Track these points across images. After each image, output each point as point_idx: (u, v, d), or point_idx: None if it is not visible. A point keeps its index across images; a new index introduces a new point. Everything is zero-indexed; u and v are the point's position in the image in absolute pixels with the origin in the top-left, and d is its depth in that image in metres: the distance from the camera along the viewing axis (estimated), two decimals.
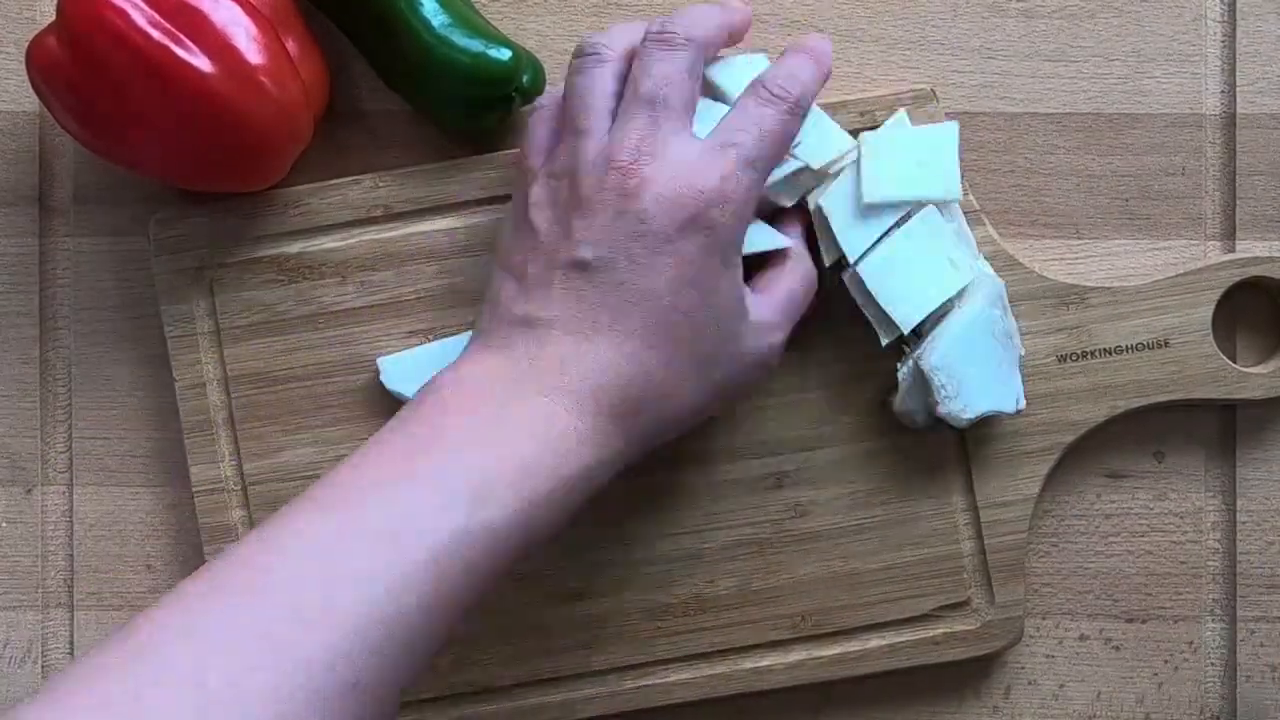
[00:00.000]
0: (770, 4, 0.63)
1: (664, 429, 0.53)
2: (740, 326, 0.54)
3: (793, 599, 0.61)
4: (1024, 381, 0.59)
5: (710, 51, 0.56)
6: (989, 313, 0.58)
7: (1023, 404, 0.59)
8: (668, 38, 0.54)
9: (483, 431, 0.50)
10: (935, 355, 0.57)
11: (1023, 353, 0.59)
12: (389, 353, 0.61)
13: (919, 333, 0.58)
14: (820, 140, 0.57)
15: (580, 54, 0.56)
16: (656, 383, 0.52)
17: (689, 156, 0.53)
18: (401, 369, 0.60)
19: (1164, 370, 0.61)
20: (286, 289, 0.61)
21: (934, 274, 0.58)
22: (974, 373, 0.57)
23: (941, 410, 0.57)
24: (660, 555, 0.61)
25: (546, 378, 0.51)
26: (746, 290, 0.55)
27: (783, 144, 0.55)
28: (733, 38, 0.57)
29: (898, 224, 0.58)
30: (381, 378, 0.60)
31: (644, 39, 0.55)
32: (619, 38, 0.56)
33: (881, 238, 0.58)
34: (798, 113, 0.55)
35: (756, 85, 0.55)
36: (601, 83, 0.55)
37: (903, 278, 0.57)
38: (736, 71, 0.57)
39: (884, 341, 0.58)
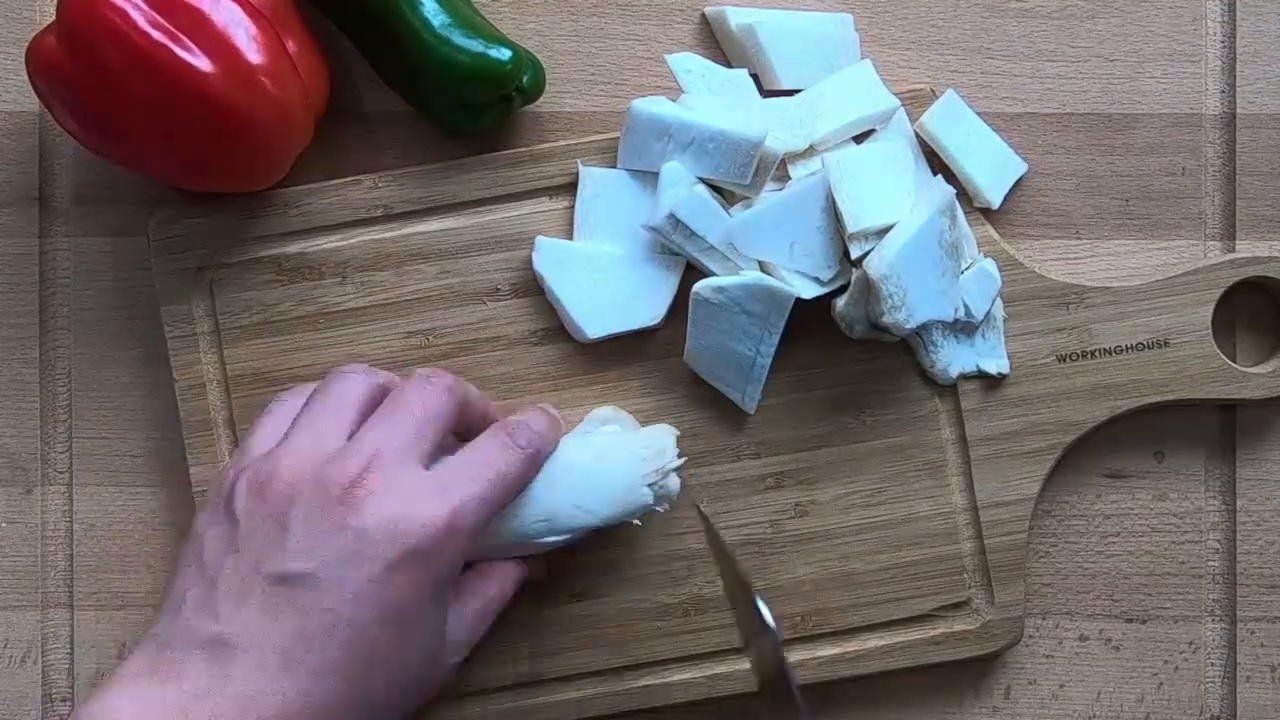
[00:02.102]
0: (774, 8, 0.63)
1: None
2: (432, 665, 0.52)
3: (793, 599, 0.61)
4: (1009, 355, 0.60)
5: (461, 415, 0.55)
6: (938, 221, 0.58)
7: (1006, 368, 0.60)
8: (433, 381, 0.54)
9: None
10: (883, 263, 0.57)
11: (971, 262, 0.59)
12: (387, 350, 0.61)
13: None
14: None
15: (344, 366, 0.56)
16: None
17: (423, 486, 0.50)
18: (554, 253, 0.60)
19: (1164, 370, 0.61)
20: (286, 289, 0.61)
21: (892, 193, 0.58)
22: (918, 282, 0.57)
23: (886, 319, 0.57)
24: (660, 555, 0.61)
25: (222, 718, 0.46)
26: (449, 611, 0.52)
27: (516, 490, 0.54)
28: (484, 420, 0.56)
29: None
30: (534, 254, 0.60)
31: (415, 372, 0.55)
32: (382, 374, 0.56)
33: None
34: (534, 464, 0.54)
35: (500, 429, 0.54)
36: (357, 390, 0.54)
37: (864, 186, 0.58)
38: (846, 83, 0.58)
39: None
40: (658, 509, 0.58)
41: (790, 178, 0.59)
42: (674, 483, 0.58)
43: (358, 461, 0.50)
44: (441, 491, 0.50)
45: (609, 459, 0.57)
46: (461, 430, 0.56)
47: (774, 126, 0.59)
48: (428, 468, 0.52)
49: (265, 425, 0.55)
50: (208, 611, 0.48)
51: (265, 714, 0.46)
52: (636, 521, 0.58)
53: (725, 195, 0.60)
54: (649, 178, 0.60)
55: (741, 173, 0.58)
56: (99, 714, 0.46)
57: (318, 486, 0.49)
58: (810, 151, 0.59)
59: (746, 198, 0.59)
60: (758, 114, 0.60)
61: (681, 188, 0.58)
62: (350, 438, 0.52)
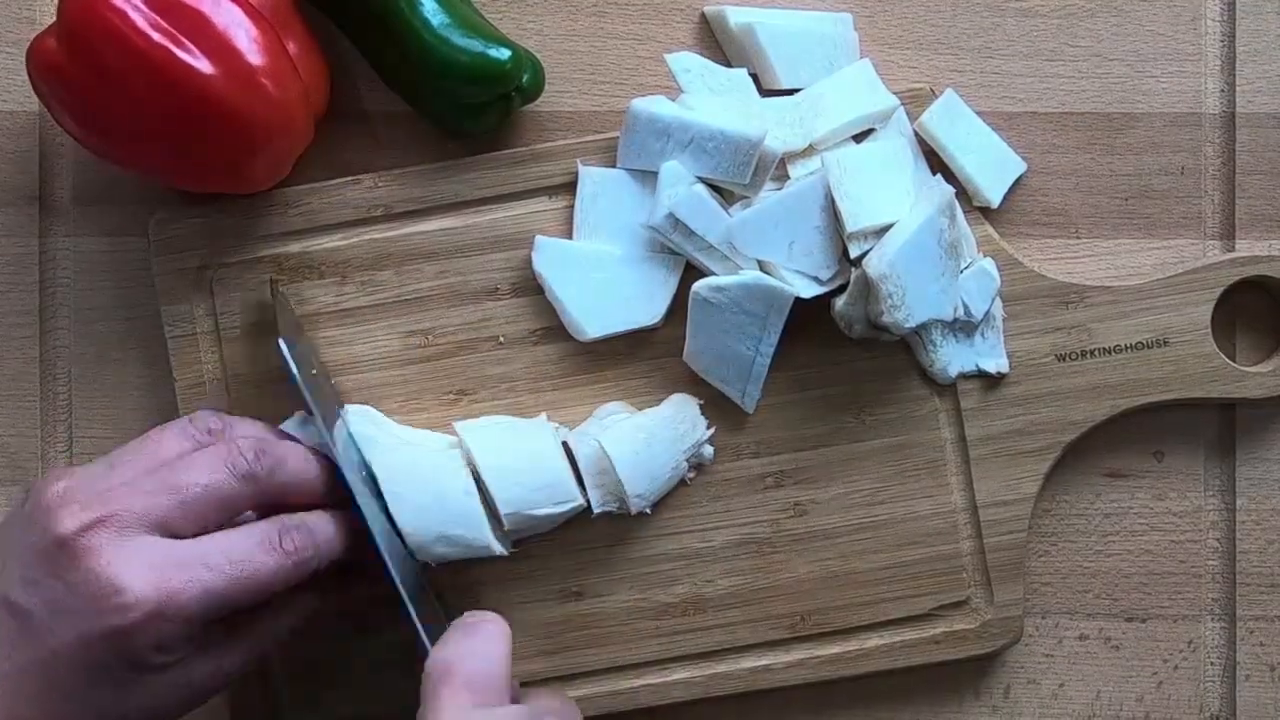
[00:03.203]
0: (774, 8, 0.63)
1: None
2: (159, 714, 0.51)
3: (793, 598, 0.61)
4: (1009, 354, 0.60)
5: (283, 494, 0.53)
6: (937, 220, 0.58)
7: (1005, 368, 0.60)
8: (235, 457, 0.52)
9: None
10: (882, 262, 0.57)
11: (970, 261, 0.60)
12: (387, 350, 0.61)
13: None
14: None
15: (187, 417, 0.55)
16: None
17: (148, 559, 0.49)
18: (553, 252, 0.60)
19: (1164, 370, 0.61)
20: (286, 289, 0.61)
21: (891, 193, 0.58)
22: (917, 282, 0.57)
23: (885, 319, 0.57)
24: (660, 555, 0.61)
25: None
26: (191, 658, 0.51)
27: (265, 590, 0.51)
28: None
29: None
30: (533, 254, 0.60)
31: (219, 440, 0.53)
32: (217, 425, 0.54)
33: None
34: (295, 574, 0.52)
35: (274, 525, 0.52)
36: (159, 446, 0.52)
37: (863, 185, 0.58)
38: (846, 82, 0.59)
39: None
40: (690, 480, 0.61)
41: (790, 177, 0.59)
42: (708, 451, 0.60)
43: (94, 512, 0.49)
44: (165, 571, 0.49)
45: (655, 444, 0.59)
46: (274, 504, 0.53)
47: (773, 125, 0.59)
48: (180, 536, 0.50)
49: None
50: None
51: None
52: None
53: (725, 195, 0.60)
54: (648, 177, 0.60)
55: (741, 172, 0.58)
56: None
57: (55, 522, 0.49)
58: (810, 151, 0.59)
59: (746, 197, 0.59)
60: (757, 113, 0.60)
61: (681, 187, 0.58)
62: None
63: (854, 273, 0.58)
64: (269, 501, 0.53)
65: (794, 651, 0.61)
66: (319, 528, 0.54)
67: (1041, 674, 0.63)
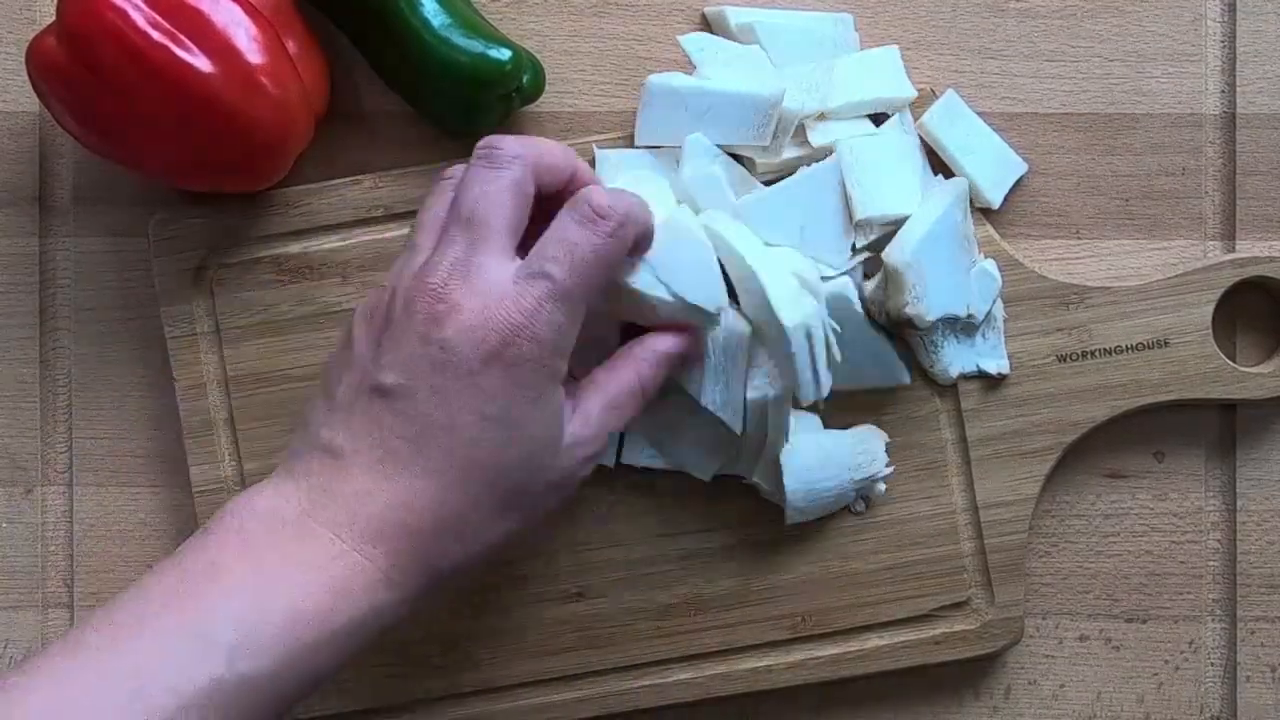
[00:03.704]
0: (774, 8, 0.63)
1: (466, 564, 0.51)
2: (551, 458, 0.51)
3: (793, 599, 0.61)
4: (1009, 355, 0.60)
5: (545, 177, 0.53)
6: (953, 213, 0.58)
7: (1006, 369, 0.60)
8: (494, 155, 0.52)
9: (259, 573, 0.48)
10: (905, 251, 0.57)
11: (972, 262, 0.59)
12: None
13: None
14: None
15: (444, 172, 0.55)
16: (457, 522, 0.50)
17: (499, 284, 0.50)
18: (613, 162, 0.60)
19: (1164, 370, 0.61)
20: (286, 289, 0.61)
21: (901, 186, 0.58)
22: (937, 273, 0.57)
23: (910, 310, 0.57)
24: (660, 555, 0.61)
25: (340, 514, 0.49)
26: (566, 408, 0.52)
27: (602, 271, 0.51)
28: (576, 179, 0.54)
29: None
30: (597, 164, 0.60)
31: (473, 156, 0.52)
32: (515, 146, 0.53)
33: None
34: (621, 235, 0.51)
35: (577, 201, 0.52)
36: (439, 204, 0.53)
37: (875, 175, 0.58)
38: (870, 61, 0.59)
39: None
40: (857, 510, 0.61)
41: (811, 145, 0.59)
42: (880, 489, 0.60)
43: (434, 277, 0.50)
44: (514, 291, 0.50)
45: (830, 466, 0.59)
46: (551, 191, 0.54)
47: (791, 89, 0.59)
48: (510, 255, 0.51)
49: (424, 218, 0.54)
50: (326, 423, 0.51)
51: (373, 509, 0.49)
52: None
53: (748, 166, 0.60)
54: (667, 155, 0.60)
55: (761, 134, 0.58)
56: (241, 511, 0.50)
57: (405, 306, 0.50)
58: (826, 117, 0.59)
59: (769, 174, 0.59)
60: (774, 79, 0.60)
61: (702, 161, 0.58)
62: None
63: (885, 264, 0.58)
64: (557, 170, 0.54)
65: (794, 652, 0.61)
66: (614, 192, 0.53)
67: (1042, 675, 0.63)
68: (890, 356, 0.60)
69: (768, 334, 0.56)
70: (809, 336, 0.55)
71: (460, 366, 0.49)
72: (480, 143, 0.53)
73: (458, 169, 0.54)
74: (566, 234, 0.51)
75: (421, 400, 0.49)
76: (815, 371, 0.55)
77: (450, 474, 0.49)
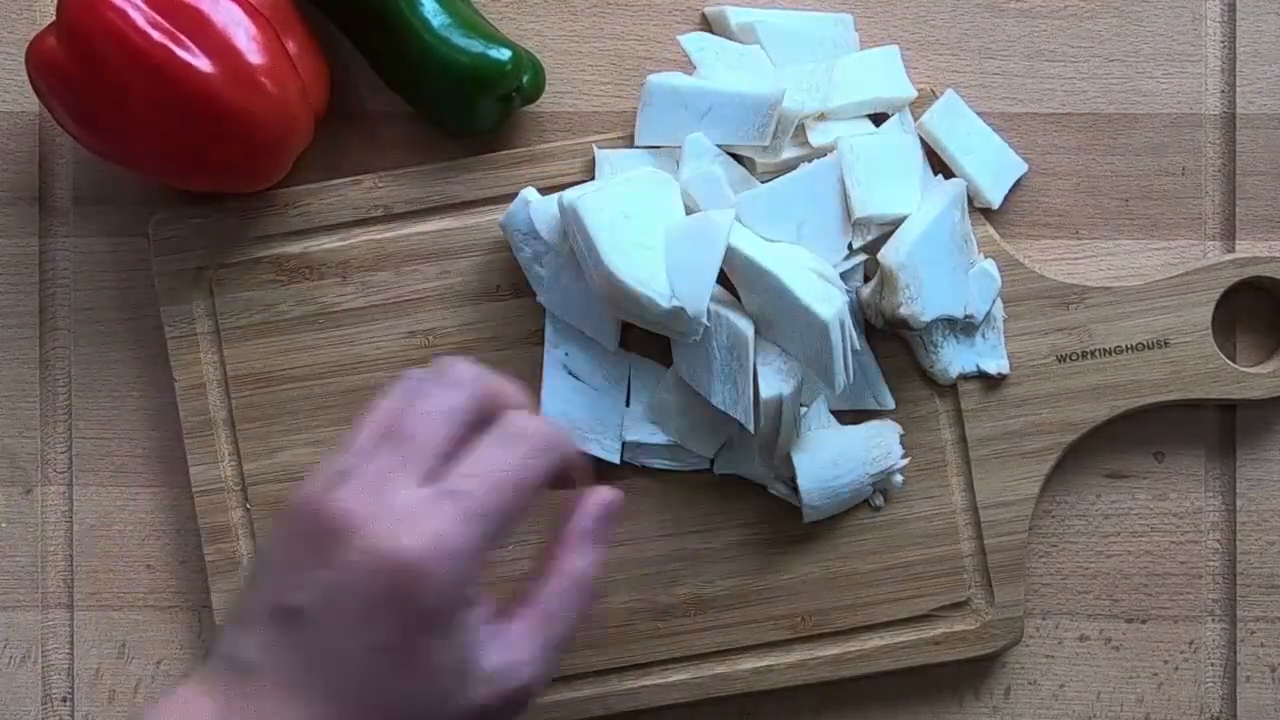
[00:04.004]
0: (774, 8, 0.63)
1: None
2: (459, 687, 0.48)
3: (793, 599, 0.61)
4: (1009, 355, 0.60)
5: (489, 405, 0.51)
6: (950, 214, 0.58)
7: (1006, 369, 0.60)
8: (446, 376, 0.51)
9: None
10: (900, 252, 0.57)
11: (971, 262, 0.60)
12: (387, 350, 0.61)
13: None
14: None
15: (392, 383, 0.52)
16: None
17: (411, 505, 0.47)
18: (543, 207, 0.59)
19: (1164, 370, 0.61)
20: (286, 289, 0.61)
21: (901, 186, 0.58)
22: (933, 273, 0.57)
23: (904, 311, 0.57)
24: (660, 555, 0.61)
25: None
26: (485, 632, 0.49)
27: (520, 496, 0.49)
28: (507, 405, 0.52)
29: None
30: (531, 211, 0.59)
31: (424, 376, 0.51)
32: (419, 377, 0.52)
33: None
34: (543, 461, 0.49)
35: (505, 423, 0.50)
36: (377, 413, 0.51)
37: (874, 174, 0.58)
38: (870, 61, 0.59)
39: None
40: (876, 504, 0.61)
41: (810, 145, 0.59)
42: (897, 480, 0.60)
43: (350, 494, 0.48)
44: (426, 515, 0.48)
45: (844, 462, 0.59)
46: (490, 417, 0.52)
47: (791, 89, 0.59)
48: (432, 481, 0.49)
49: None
50: (240, 632, 0.49)
51: None
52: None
53: (749, 166, 0.60)
54: (666, 155, 0.60)
55: (760, 134, 0.58)
56: (162, 710, 0.48)
57: (315, 519, 0.48)
58: (825, 117, 0.59)
59: (769, 171, 0.59)
60: (774, 79, 0.60)
61: (703, 160, 0.58)
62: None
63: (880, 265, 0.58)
64: (496, 404, 0.52)
65: (794, 652, 0.61)
66: (542, 420, 0.52)
67: (1042, 675, 0.63)
68: (875, 377, 0.61)
69: (784, 330, 0.56)
70: (842, 326, 0.55)
71: (360, 593, 0.47)
72: (436, 360, 0.52)
73: (417, 373, 0.52)
74: (489, 457, 0.49)
75: (321, 626, 0.47)
76: (846, 361, 0.55)
77: (351, 704, 0.47)
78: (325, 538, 0.48)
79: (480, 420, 0.51)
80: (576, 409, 0.60)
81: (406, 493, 0.48)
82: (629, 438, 0.60)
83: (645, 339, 0.60)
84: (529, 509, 0.50)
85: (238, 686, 0.48)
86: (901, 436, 0.60)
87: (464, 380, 0.51)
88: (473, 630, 0.48)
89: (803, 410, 0.58)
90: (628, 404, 0.60)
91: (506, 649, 0.49)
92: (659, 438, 0.60)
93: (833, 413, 0.61)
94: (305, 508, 0.49)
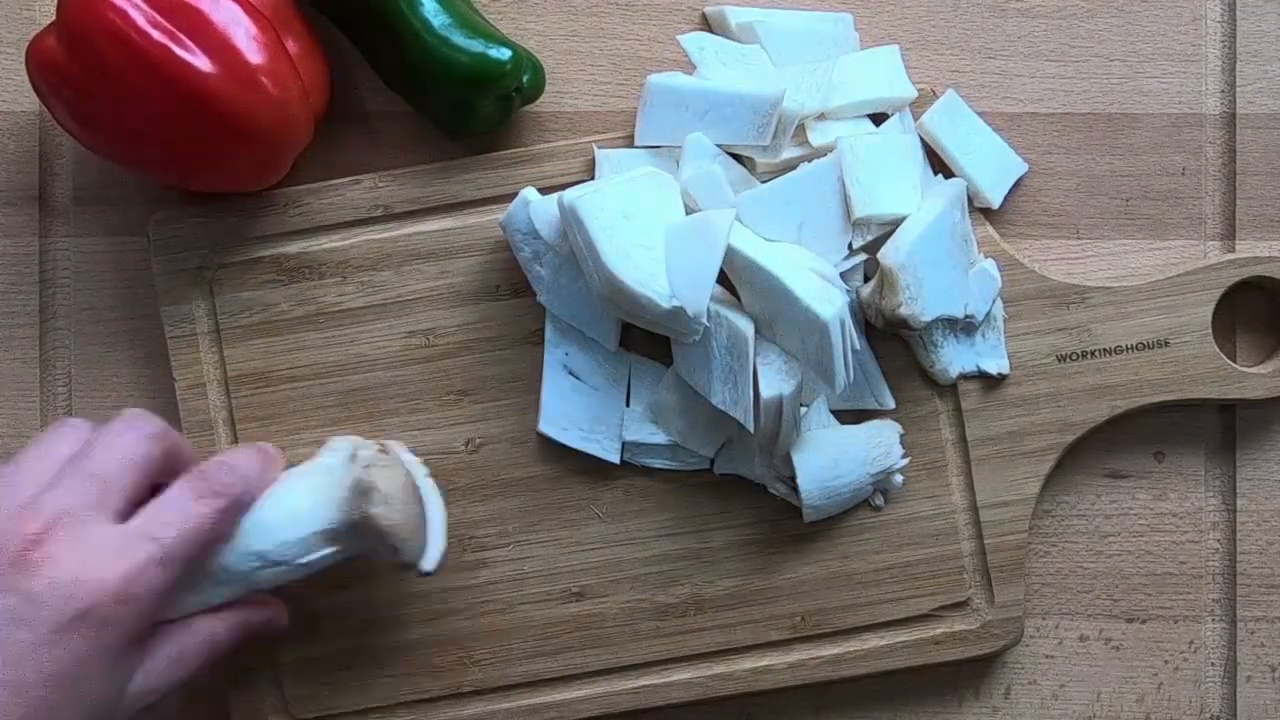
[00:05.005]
0: (774, 9, 0.63)
1: None
2: (108, 712, 0.50)
3: (793, 599, 0.61)
4: (1009, 355, 0.60)
5: (175, 457, 0.53)
6: (950, 214, 0.58)
7: (1006, 368, 0.60)
8: (134, 428, 0.52)
9: None
10: (900, 252, 0.57)
11: (972, 262, 0.60)
12: (387, 350, 0.61)
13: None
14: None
15: (51, 425, 0.54)
16: None
17: (104, 543, 0.49)
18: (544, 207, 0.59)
19: (1164, 370, 0.61)
20: (286, 289, 0.61)
21: (901, 186, 0.58)
22: (933, 273, 0.57)
23: (903, 311, 0.57)
24: (660, 555, 0.61)
25: None
26: (140, 661, 0.51)
27: (207, 541, 0.52)
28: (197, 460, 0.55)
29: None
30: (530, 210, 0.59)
31: (116, 418, 0.53)
32: (90, 426, 0.53)
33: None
34: (233, 510, 0.52)
35: (194, 476, 0.52)
36: (51, 451, 0.52)
37: (875, 174, 0.58)
38: (870, 61, 0.59)
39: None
40: (876, 504, 0.60)
41: (811, 145, 0.59)
42: (897, 480, 0.60)
43: (36, 522, 0.49)
44: (119, 552, 0.49)
45: (844, 462, 0.59)
46: (169, 479, 0.54)
47: (791, 90, 0.59)
48: (121, 519, 0.51)
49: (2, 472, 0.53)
50: None
51: None
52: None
53: (749, 166, 0.60)
54: (666, 155, 0.60)
55: (760, 134, 0.58)
56: None
57: None
58: (825, 117, 0.59)
59: (770, 172, 0.59)
60: (774, 79, 0.60)
61: (703, 160, 0.58)
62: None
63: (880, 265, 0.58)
64: (177, 459, 0.54)
65: (794, 652, 0.61)
66: (239, 461, 0.54)
67: (1042, 675, 0.63)
68: (875, 377, 0.61)
69: (784, 330, 0.56)
70: (842, 325, 0.55)
71: (43, 624, 0.47)
72: (126, 411, 0.53)
73: (77, 420, 0.54)
74: (174, 505, 0.51)
75: None
76: (846, 361, 0.55)
77: None
78: (6, 566, 0.48)
79: (161, 470, 0.53)
80: (577, 409, 0.60)
81: (102, 532, 0.49)
82: (629, 438, 0.60)
83: (645, 339, 0.60)
84: (210, 550, 0.52)
85: None
86: (902, 436, 0.60)
87: (155, 431, 0.52)
88: (138, 658, 0.51)
89: (803, 410, 0.58)
90: (628, 404, 0.60)
91: (143, 677, 0.51)
92: (659, 437, 0.60)
93: (833, 413, 0.61)
94: None
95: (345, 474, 0.55)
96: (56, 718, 0.48)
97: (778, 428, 0.57)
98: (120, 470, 0.51)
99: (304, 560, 0.54)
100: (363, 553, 0.55)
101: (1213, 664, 0.63)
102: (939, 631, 0.61)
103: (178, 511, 0.51)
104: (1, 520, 0.49)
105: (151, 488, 0.53)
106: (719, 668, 0.61)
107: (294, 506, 0.54)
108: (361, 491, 0.54)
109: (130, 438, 0.52)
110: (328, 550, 0.55)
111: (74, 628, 0.48)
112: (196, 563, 0.52)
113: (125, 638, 0.49)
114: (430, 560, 0.55)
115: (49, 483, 0.50)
